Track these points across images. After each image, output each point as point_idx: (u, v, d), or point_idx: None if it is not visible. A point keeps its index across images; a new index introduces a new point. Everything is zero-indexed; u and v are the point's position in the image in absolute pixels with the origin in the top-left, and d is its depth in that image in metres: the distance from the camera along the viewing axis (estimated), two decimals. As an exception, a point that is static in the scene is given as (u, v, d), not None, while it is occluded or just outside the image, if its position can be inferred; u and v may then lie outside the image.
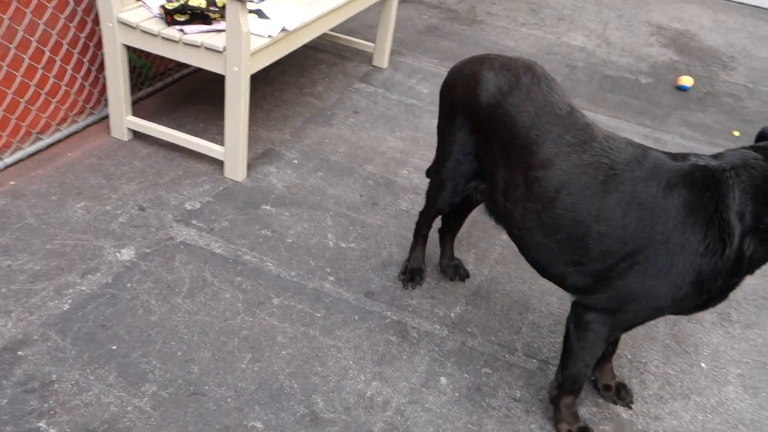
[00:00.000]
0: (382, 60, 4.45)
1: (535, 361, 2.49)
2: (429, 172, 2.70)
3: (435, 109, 4.00)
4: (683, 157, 1.87)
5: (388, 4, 4.22)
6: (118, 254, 2.64)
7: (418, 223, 2.67)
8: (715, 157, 1.86)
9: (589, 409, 2.34)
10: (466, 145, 2.17)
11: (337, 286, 2.67)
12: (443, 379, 2.35)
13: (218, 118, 3.46)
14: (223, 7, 2.88)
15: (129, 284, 2.51)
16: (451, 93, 2.24)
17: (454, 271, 2.77)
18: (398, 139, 3.72)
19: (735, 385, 2.53)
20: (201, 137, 3.25)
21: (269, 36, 3.01)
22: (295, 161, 3.37)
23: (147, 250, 2.67)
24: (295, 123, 3.67)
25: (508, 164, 2.02)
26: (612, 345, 2.31)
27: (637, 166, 1.85)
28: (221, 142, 3.16)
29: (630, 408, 2.35)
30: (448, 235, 2.76)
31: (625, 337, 2.58)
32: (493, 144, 2.06)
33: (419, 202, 3.18)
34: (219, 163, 3.20)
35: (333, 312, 2.54)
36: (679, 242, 1.77)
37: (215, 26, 2.97)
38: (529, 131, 1.98)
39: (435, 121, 3.96)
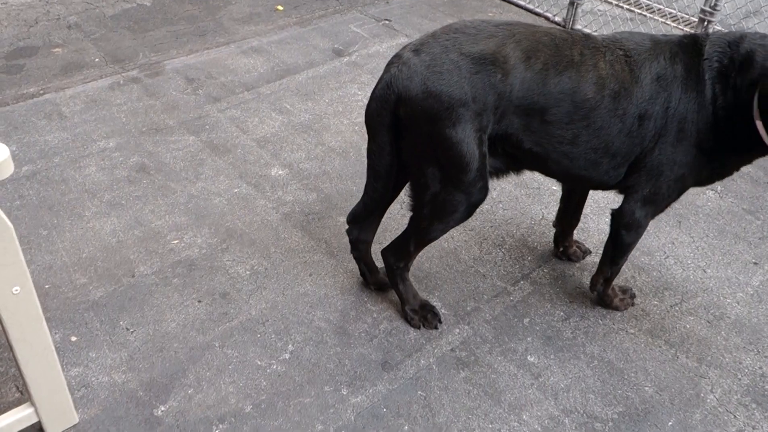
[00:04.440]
0: None
1: (524, 282, 2.56)
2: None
3: None
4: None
5: None
6: None
7: (405, 259, 2.25)
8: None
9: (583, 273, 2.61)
10: (483, 133, 1.92)
11: (355, 387, 2.12)
12: (530, 358, 2.26)
13: None
14: None
15: None
16: (439, 99, 1.87)
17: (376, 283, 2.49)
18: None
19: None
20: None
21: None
22: (74, 339, 2.21)
23: None
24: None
25: (546, 109, 1.94)
26: (576, 219, 2.58)
27: (644, 48, 2.00)
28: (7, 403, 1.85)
29: (591, 253, 2.70)
30: (366, 245, 2.41)
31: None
32: (514, 107, 1.93)
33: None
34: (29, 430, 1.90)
35: (407, 404, 2.07)
36: (683, 99, 2.00)
37: None
38: (554, 69, 1.92)
39: None
